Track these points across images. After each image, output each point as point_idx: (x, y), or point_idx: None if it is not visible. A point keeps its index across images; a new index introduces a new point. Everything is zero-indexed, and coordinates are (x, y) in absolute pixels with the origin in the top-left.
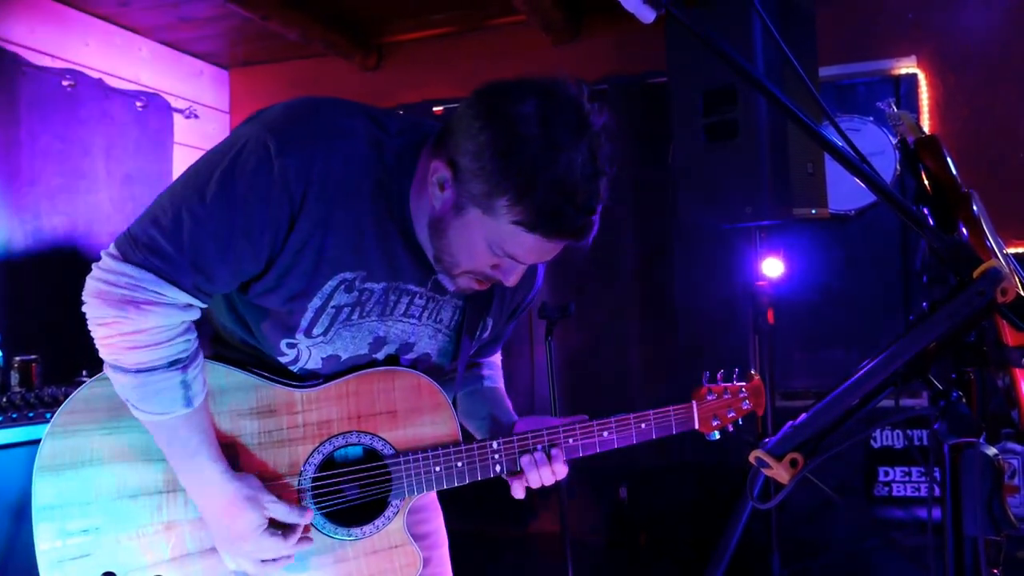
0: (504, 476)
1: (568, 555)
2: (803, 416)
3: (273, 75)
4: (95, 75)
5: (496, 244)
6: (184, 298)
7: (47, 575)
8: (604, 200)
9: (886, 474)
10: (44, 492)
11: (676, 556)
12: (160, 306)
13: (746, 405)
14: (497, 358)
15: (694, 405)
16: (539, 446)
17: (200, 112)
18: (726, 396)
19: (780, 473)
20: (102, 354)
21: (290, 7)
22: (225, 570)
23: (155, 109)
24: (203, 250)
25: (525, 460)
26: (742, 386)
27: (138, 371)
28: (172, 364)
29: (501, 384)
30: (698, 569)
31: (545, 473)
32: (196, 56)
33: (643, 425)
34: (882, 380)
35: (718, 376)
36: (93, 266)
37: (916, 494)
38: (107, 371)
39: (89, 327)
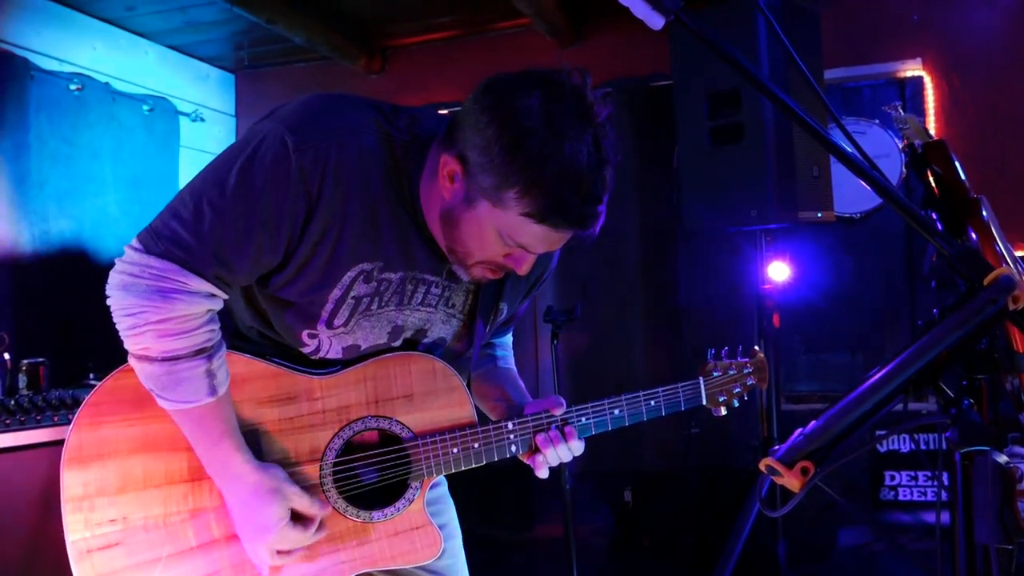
0: (521, 457)
1: (573, 558)
2: (813, 423)
3: (278, 78)
4: (102, 79)
5: (506, 235)
6: (207, 287)
7: (76, 565)
8: (610, 189)
9: (892, 478)
10: (72, 484)
11: (680, 559)
12: (185, 294)
13: (751, 381)
14: (508, 338)
15: (701, 381)
16: (553, 425)
17: (206, 115)
18: (731, 372)
19: (791, 481)
20: (128, 345)
21: (295, 11)
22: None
23: (162, 112)
24: (223, 241)
25: (540, 439)
26: (747, 362)
27: (164, 359)
28: (198, 352)
29: (513, 364)
30: (703, 571)
31: (562, 450)
32: (202, 60)
33: (652, 402)
34: (894, 388)
35: (722, 353)
36: (116, 261)
37: (922, 498)
38: (132, 362)
39: (115, 319)
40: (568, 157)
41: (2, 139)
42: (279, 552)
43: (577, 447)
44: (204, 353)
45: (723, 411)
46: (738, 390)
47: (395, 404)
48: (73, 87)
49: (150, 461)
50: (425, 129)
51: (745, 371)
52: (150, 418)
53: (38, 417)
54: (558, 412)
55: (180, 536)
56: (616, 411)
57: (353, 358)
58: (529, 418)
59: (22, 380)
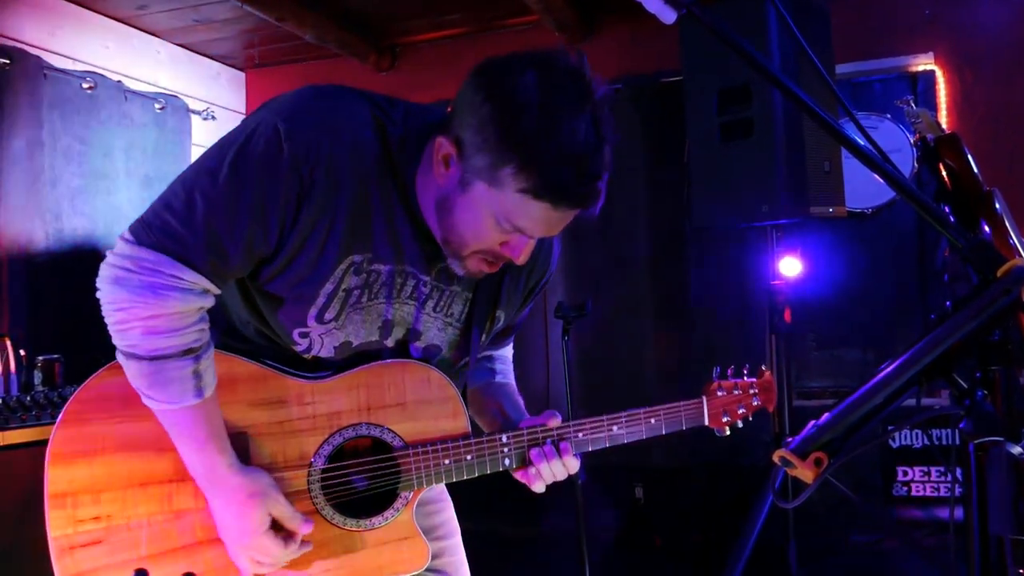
0: (513, 472)
1: (585, 554)
2: (827, 415)
3: (289, 76)
4: (115, 77)
5: (503, 217)
6: (201, 282)
7: (58, 561)
8: (609, 168)
9: (905, 474)
10: (56, 480)
11: (691, 556)
12: (178, 291)
13: (756, 401)
14: (508, 351)
15: (704, 401)
16: (548, 440)
17: (217, 113)
18: (736, 392)
19: (804, 472)
20: (116, 341)
21: (305, 9)
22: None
23: (173, 110)
24: (216, 231)
25: (534, 452)
26: (752, 382)
27: (152, 358)
28: (186, 353)
29: (512, 379)
30: (713, 568)
31: (556, 466)
32: (213, 58)
33: (652, 420)
34: (907, 379)
35: (728, 372)
36: (108, 252)
37: (935, 494)
38: (120, 359)
39: (104, 313)
40: (566, 133)
41: (16, 137)
42: (259, 562)
43: (572, 463)
44: (192, 354)
45: (727, 432)
46: (743, 411)
47: (387, 412)
48: (85, 85)
49: (136, 460)
50: (421, 122)
51: (751, 391)
52: (137, 417)
53: (53, 413)
54: (553, 425)
55: (163, 536)
56: (615, 428)
57: (346, 360)
58: (524, 431)
59: (37, 376)
